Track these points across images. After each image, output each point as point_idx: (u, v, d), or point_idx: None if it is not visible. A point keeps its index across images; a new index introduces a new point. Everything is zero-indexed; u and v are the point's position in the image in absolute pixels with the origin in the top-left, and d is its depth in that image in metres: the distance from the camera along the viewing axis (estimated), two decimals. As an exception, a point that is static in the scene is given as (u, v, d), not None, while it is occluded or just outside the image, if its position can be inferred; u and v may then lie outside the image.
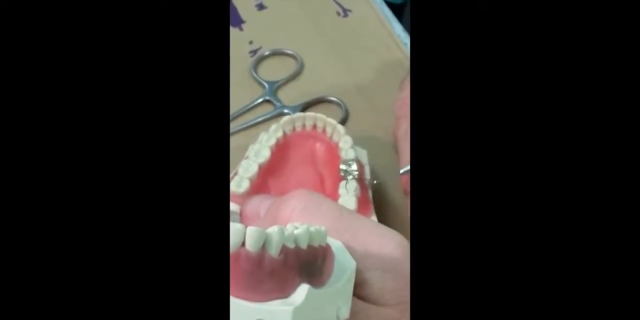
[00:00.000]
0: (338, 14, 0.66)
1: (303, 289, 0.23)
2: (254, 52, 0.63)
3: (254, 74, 0.61)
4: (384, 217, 0.50)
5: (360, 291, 0.29)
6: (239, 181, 0.45)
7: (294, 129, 0.49)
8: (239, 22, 0.66)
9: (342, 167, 0.47)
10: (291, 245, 0.24)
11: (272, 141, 0.47)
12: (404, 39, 0.63)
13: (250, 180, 0.45)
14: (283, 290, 0.23)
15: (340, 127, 0.48)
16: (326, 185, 0.49)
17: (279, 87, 0.61)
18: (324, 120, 0.48)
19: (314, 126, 0.49)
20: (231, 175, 0.47)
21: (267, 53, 0.63)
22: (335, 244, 0.29)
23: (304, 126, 0.49)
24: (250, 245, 0.22)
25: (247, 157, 0.47)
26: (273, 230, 0.23)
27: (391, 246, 0.31)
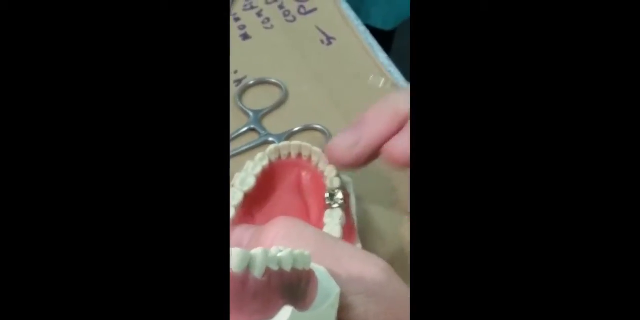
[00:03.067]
0: (322, 42, 0.67)
1: (286, 311, 0.23)
2: (239, 81, 0.63)
3: (239, 102, 0.61)
4: (369, 244, 0.50)
5: (344, 315, 0.29)
6: (225, 210, 0.45)
7: (279, 157, 0.49)
8: (224, 52, 0.66)
9: (328, 195, 0.47)
10: (275, 268, 0.24)
11: (258, 169, 0.47)
12: (388, 66, 0.64)
13: (236, 208, 0.45)
14: (266, 311, 0.23)
15: (325, 156, 0.48)
16: (312, 213, 0.49)
17: (264, 115, 0.61)
18: (310, 149, 0.49)
19: (299, 155, 0.49)
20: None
21: (251, 82, 0.63)
22: (319, 268, 0.29)
23: (289, 155, 0.49)
24: (235, 267, 0.22)
25: (232, 185, 0.47)
26: (257, 252, 0.23)
27: (374, 271, 0.31)
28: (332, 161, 0.46)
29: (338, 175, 0.48)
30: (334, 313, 0.27)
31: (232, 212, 0.45)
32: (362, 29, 0.68)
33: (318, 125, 0.60)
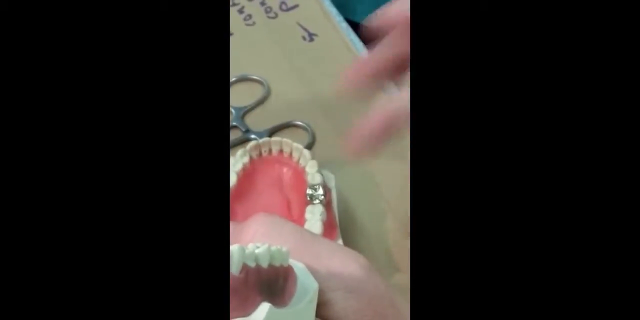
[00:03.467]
0: (304, 38, 0.67)
1: (264, 308, 0.23)
2: (221, 78, 0.63)
3: (221, 99, 0.61)
4: (351, 240, 0.50)
5: (323, 312, 0.29)
6: (206, 207, 0.45)
7: (260, 154, 0.49)
8: (206, 49, 0.66)
9: (309, 191, 0.47)
10: (252, 264, 0.24)
11: (239, 166, 0.48)
12: (370, 63, 0.64)
13: (217, 205, 0.45)
14: (244, 308, 0.23)
15: (306, 152, 0.48)
16: (293, 209, 0.49)
17: (246, 112, 0.61)
18: (290, 145, 0.49)
19: (281, 151, 0.49)
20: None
21: (233, 79, 0.63)
22: (297, 265, 0.29)
23: (270, 151, 0.49)
24: None
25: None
26: (234, 248, 0.23)
27: (353, 267, 0.31)
28: None
29: (319, 171, 0.48)
30: (312, 309, 0.27)
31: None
32: (344, 25, 0.68)
33: (300, 121, 0.60)
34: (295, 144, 0.49)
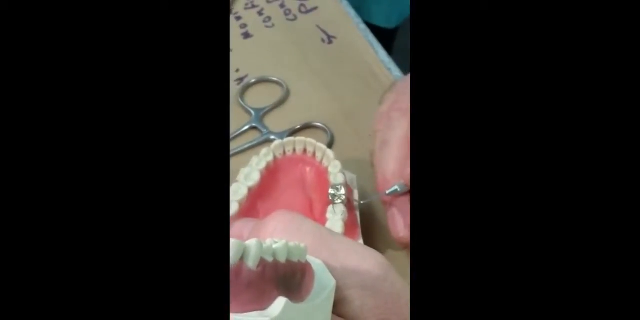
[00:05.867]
0: (323, 40, 0.67)
1: (280, 302, 0.23)
2: (240, 80, 0.64)
3: (241, 101, 0.62)
4: (372, 240, 0.50)
5: (340, 309, 0.29)
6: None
7: (284, 153, 0.49)
8: (225, 50, 0.66)
9: (331, 191, 0.47)
10: (269, 259, 0.24)
11: (262, 165, 0.48)
12: (388, 64, 0.64)
13: (240, 203, 0.46)
14: (260, 302, 0.23)
15: (329, 152, 0.49)
16: (315, 209, 0.49)
17: (266, 114, 0.61)
18: (314, 144, 0.49)
19: (304, 151, 0.50)
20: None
21: (253, 81, 0.64)
22: (315, 261, 0.29)
23: (294, 150, 0.50)
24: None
25: (237, 181, 0.47)
26: (251, 242, 0.23)
27: (371, 265, 0.31)
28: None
29: (342, 171, 0.48)
30: (329, 306, 0.27)
31: (236, 206, 0.45)
32: (363, 27, 0.68)
33: (319, 123, 0.60)
34: (318, 144, 0.49)
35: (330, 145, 0.58)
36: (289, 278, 0.25)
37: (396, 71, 0.63)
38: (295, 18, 0.69)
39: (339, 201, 0.47)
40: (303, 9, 0.70)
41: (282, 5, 0.70)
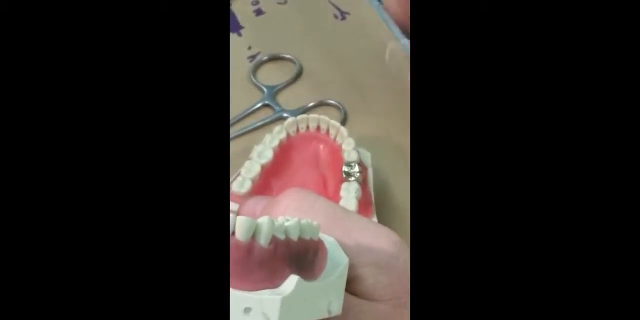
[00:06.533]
0: (336, 17, 0.66)
1: (292, 280, 0.23)
2: (252, 57, 0.63)
3: (253, 79, 0.61)
4: (385, 218, 0.50)
5: (353, 287, 0.29)
6: (242, 182, 0.45)
7: (297, 130, 0.49)
8: (238, 28, 0.66)
9: (345, 168, 0.47)
10: (281, 236, 0.24)
11: (276, 142, 0.48)
12: (402, 40, 0.63)
13: (253, 180, 0.46)
14: (272, 280, 0.23)
15: (343, 129, 0.48)
16: (328, 186, 0.49)
17: (278, 91, 0.61)
18: (328, 122, 0.49)
19: (318, 128, 0.49)
20: (234, 176, 0.47)
21: (265, 58, 0.63)
22: (328, 239, 0.29)
23: (307, 128, 0.49)
24: (240, 235, 0.22)
25: (250, 158, 0.47)
26: (263, 220, 0.23)
27: (385, 242, 0.31)
28: None
29: (355, 149, 0.47)
30: (342, 284, 0.27)
31: (249, 184, 0.45)
32: (376, 3, 0.67)
33: (332, 100, 0.60)
34: (332, 121, 0.48)
35: (343, 122, 0.58)
36: (301, 256, 0.25)
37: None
38: (308, -6, 0.68)
39: (353, 179, 0.47)
40: (315, -15, 0.69)
41: (294, -18, 0.69)
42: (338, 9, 0.67)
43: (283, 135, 0.48)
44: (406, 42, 0.63)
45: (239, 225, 0.22)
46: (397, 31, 0.64)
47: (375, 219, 0.48)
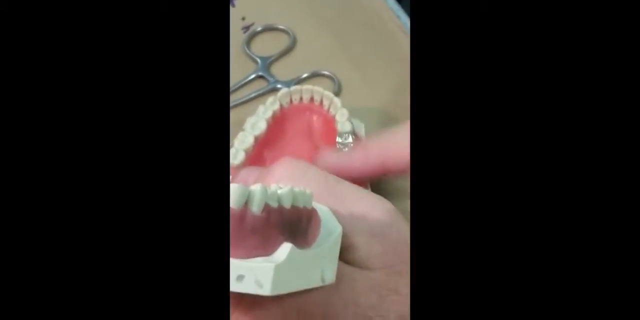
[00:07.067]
0: (330, -13, 0.66)
1: (286, 248, 0.23)
2: (246, 28, 0.63)
3: (247, 50, 0.61)
4: (379, 188, 0.50)
5: (346, 255, 0.29)
6: (235, 153, 0.45)
7: (291, 101, 0.49)
8: (231, -2, 0.65)
9: (339, 139, 0.47)
10: (274, 204, 0.24)
11: (269, 113, 0.47)
12: (397, 11, 0.63)
13: (246, 152, 0.46)
14: (265, 247, 0.23)
15: (336, 100, 0.48)
16: (322, 157, 0.49)
17: (272, 62, 0.61)
18: (321, 93, 0.48)
19: (311, 99, 0.49)
20: (228, 148, 0.47)
21: (259, 29, 0.63)
22: (321, 208, 0.29)
23: (301, 99, 0.49)
24: (233, 202, 0.22)
25: (243, 129, 0.47)
26: (256, 188, 0.23)
27: (378, 211, 0.31)
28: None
29: (349, 120, 0.47)
30: (336, 252, 0.27)
31: (243, 155, 0.45)
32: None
33: (326, 71, 0.59)
34: (326, 92, 0.48)
35: (337, 93, 0.58)
36: (294, 224, 0.25)
37: (405, 19, 0.62)
38: (302, -36, 0.68)
39: (347, 149, 0.47)
40: (310, -45, 0.68)
41: (288, -49, 0.68)
42: (332, -21, 0.66)
43: (276, 106, 0.48)
44: (402, 15, 0.63)
45: (232, 192, 0.22)
46: (391, 2, 0.64)
47: (369, 189, 0.48)
